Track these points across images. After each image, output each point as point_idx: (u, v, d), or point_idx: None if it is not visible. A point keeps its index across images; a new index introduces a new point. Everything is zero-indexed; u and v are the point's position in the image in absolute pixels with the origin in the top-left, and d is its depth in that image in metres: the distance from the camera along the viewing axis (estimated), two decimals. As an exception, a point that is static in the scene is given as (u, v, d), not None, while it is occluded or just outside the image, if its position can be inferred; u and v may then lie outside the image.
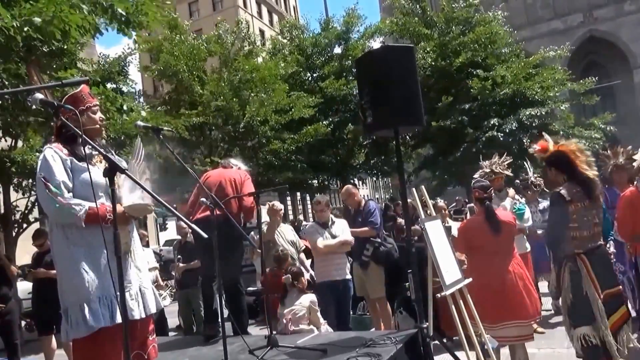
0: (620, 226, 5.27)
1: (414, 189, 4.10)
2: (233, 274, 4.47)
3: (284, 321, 4.65)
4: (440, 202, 7.23)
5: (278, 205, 6.35)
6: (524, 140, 16.79)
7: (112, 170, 2.28)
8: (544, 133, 4.54)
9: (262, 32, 42.97)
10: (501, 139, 17.06)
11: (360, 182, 25.84)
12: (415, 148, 20.61)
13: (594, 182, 4.05)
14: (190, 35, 18.23)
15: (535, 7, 39.25)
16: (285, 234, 6.11)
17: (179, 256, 7.60)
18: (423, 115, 3.87)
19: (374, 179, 28.00)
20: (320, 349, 3.53)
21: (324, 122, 18.41)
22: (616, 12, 37.29)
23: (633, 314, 5.83)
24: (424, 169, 21.32)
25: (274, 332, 3.91)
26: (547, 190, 6.45)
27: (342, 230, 5.56)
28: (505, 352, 4.54)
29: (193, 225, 2.44)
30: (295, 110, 17.36)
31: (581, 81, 20.88)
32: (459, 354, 3.85)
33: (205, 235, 2.44)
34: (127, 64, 12.04)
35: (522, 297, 4.28)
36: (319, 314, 4.78)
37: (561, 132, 18.06)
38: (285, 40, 22.85)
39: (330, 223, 5.59)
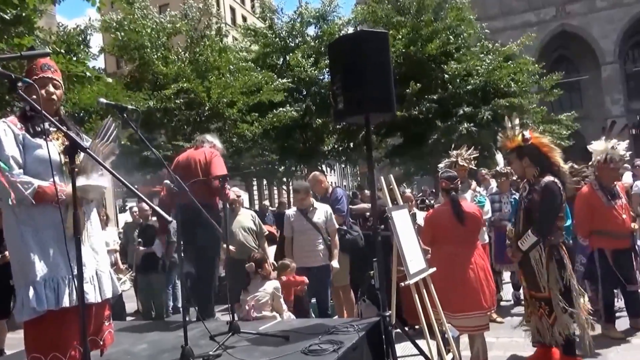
0: (578, 223, 5.45)
1: (382, 178, 4.09)
2: (204, 258, 4.39)
3: (247, 307, 4.60)
4: (408, 192, 7.30)
5: (236, 192, 6.27)
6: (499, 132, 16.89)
7: (73, 148, 2.19)
8: (510, 119, 4.59)
9: (232, 10, 42.15)
10: (474, 131, 16.99)
11: (329, 169, 25.79)
12: (385, 137, 20.64)
13: (567, 176, 4.17)
14: (152, 9, 17.62)
15: (510, -2, 39.74)
16: (243, 221, 6.02)
17: (139, 239, 7.42)
18: (395, 103, 3.83)
19: (343, 166, 27.92)
20: (282, 336, 3.50)
21: (295, 107, 18.20)
22: (588, 8, 37.87)
23: (588, 306, 6.07)
24: (392, 157, 21.38)
25: (236, 319, 3.86)
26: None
27: (323, 216, 5.56)
28: (464, 340, 4.61)
29: (156, 208, 2.37)
30: (264, 93, 17.08)
31: (546, 77, 21.23)
32: (420, 342, 3.88)
33: (170, 218, 2.37)
34: (88, 35, 11.59)
35: (483, 288, 4.38)
36: (282, 300, 4.75)
37: (530, 126, 18.44)
38: (259, 23, 22.49)
39: (310, 209, 5.56)
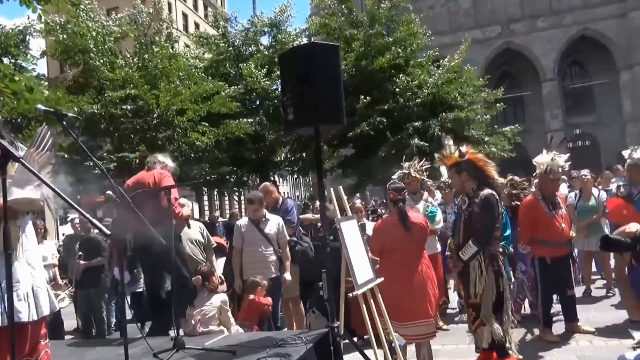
0: (522, 231, 5.68)
1: (331, 189, 4.10)
2: (156, 277, 4.25)
3: (193, 322, 4.49)
4: (358, 203, 7.37)
5: (183, 203, 6.15)
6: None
7: (5, 158, 2.09)
8: (447, 136, 4.75)
9: (185, 17, 41.54)
10: (424, 146, 17.24)
11: (281, 179, 25.65)
12: (338, 147, 20.77)
13: (501, 187, 4.36)
14: (99, 12, 17.10)
15: (458, 15, 41.06)
16: (191, 233, 5.91)
17: (80, 253, 7.11)
18: (344, 115, 3.87)
19: (295, 176, 27.83)
20: (229, 351, 3.43)
21: (248, 120, 18.03)
22: (530, 27, 39.72)
23: (528, 311, 6.31)
24: (344, 168, 21.55)
25: (182, 334, 3.76)
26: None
27: (275, 227, 5.52)
28: (411, 349, 4.67)
29: (96, 222, 2.27)
30: (214, 102, 16.82)
31: (492, 91, 22.01)
32: (368, 352, 3.90)
33: (108, 232, 2.28)
34: (27, 37, 11.07)
35: (429, 297, 4.48)
36: (229, 314, 4.66)
37: (476, 136, 19.02)
38: (212, 30, 22.27)
39: (262, 220, 5.51)
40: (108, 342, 4.77)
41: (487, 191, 4.32)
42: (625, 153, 6.12)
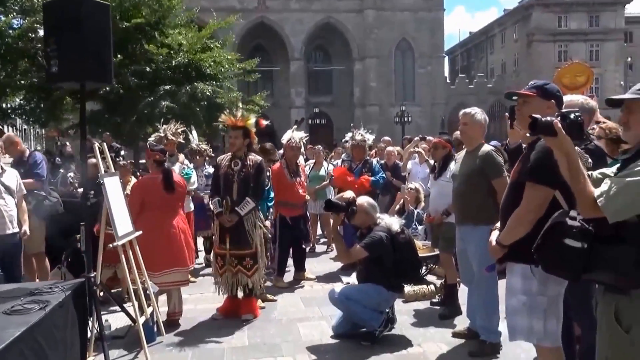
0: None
1: (96, 145, 4.20)
2: None
3: None
4: (124, 161, 7.32)
5: None
6: (200, 113, 17.69)
7: None
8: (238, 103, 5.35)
9: None
10: (175, 109, 17.18)
11: (12, 128, 22.36)
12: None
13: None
14: None
15: (217, -19, 41.19)
16: None
17: None
18: (112, 74, 4.01)
19: (25, 126, 24.56)
20: (-24, 300, 3.33)
21: None
22: (283, 6, 42.35)
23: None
24: (90, 123, 19.99)
25: None
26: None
27: (14, 179, 5.15)
28: (162, 299, 5.11)
29: None
30: None
31: (248, 60, 22.91)
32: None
33: None
34: None
35: (183, 248, 4.98)
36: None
37: (227, 106, 19.72)
38: None
39: (1, 171, 5.08)
40: None
41: (258, 157, 5.13)
42: (348, 135, 7.57)
